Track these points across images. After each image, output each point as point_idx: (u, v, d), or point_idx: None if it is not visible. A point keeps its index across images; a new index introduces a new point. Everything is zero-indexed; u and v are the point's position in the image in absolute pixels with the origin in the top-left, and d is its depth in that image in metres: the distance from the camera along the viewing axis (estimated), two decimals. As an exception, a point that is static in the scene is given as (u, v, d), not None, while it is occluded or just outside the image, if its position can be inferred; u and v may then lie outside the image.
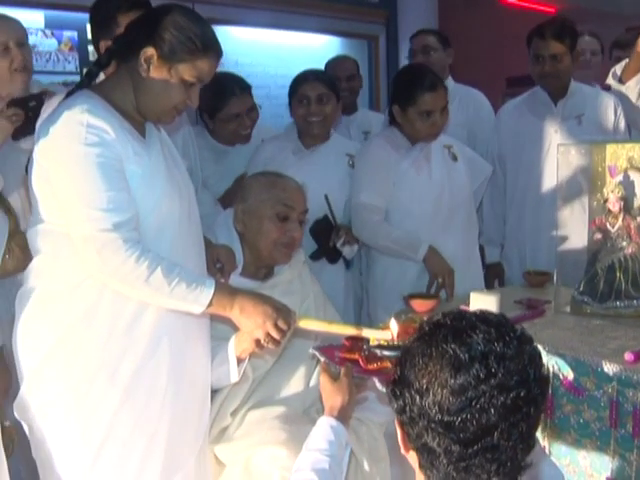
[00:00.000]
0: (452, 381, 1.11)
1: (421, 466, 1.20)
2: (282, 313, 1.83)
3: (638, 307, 2.40)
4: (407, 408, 1.16)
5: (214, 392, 2.05)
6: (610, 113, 3.25)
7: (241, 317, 1.81)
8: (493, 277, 3.46)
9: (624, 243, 2.44)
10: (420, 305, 2.55)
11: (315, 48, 5.62)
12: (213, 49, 1.84)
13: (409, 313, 2.55)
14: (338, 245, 2.91)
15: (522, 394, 1.12)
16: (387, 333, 1.79)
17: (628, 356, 1.99)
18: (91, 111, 1.73)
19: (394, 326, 1.77)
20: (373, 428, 2.10)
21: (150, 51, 1.77)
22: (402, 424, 1.19)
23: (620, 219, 2.45)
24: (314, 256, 2.91)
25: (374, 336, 1.81)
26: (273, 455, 1.95)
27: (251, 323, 1.82)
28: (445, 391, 1.12)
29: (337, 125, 3.40)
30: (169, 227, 1.84)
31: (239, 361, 1.99)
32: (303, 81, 3.05)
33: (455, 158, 3.02)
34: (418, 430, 1.16)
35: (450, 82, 3.61)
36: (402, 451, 1.24)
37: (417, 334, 1.20)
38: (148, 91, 1.81)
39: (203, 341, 1.98)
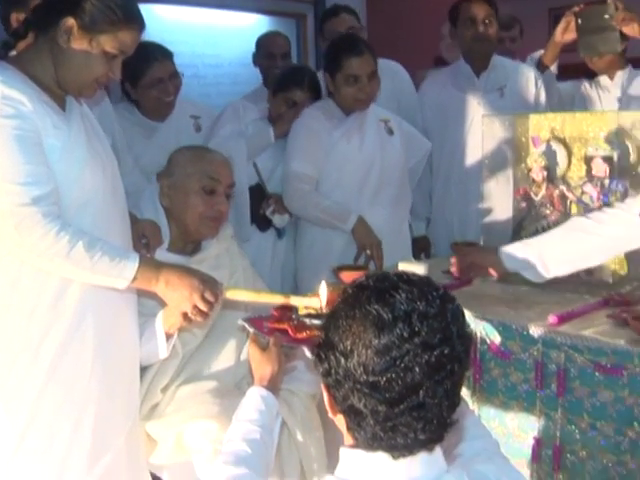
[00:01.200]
0: (376, 341, 1.11)
1: (349, 428, 1.19)
2: (209, 285, 1.81)
3: (563, 274, 2.47)
4: (332, 371, 1.16)
5: (143, 369, 2.02)
6: (531, 86, 3.30)
7: (167, 290, 1.79)
8: (419, 251, 3.50)
9: (547, 211, 2.50)
10: (349, 276, 2.56)
11: (243, 27, 5.56)
12: (135, 20, 1.81)
13: (339, 285, 2.57)
14: (267, 213, 2.94)
15: (446, 352, 1.13)
16: (315, 300, 1.79)
17: (552, 319, 2.05)
18: (6, 82, 1.68)
19: (323, 292, 1.78)
20: (305, 399, 2.10)
21: (70, 21, 1.72)
22: (328, 387, 1.19)
23: (543, 188, 2.51)
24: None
25: (302, 303, 1.81)
26: (205, 429, 1.94)
27: (177, 296, 1.79)
28: (369, 351, 1.11)
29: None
30: (92, 201, 1.80)
31: (168, 336, 1.96)
32: (298, 86, 3.09)
33: (391, 132, 3.04)
34: (344, 392, 1.15)
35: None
36: (330, 415, 1.24)
37: (341, 297, 1.20)
38: (68, 63, 1.76)
39: (130, 317, 1.95)
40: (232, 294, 1.88)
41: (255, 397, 1.70)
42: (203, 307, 1.80)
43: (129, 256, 1.75)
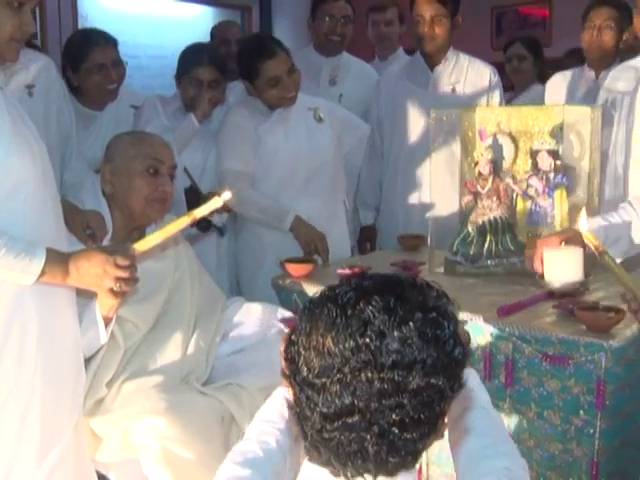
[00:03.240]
0: (321, 341, 1.05)
1: (298, 428, 1.14)
2: (117, 252, 1.75)
3: (508, 265, 2.50)
4: (289, 362, 1.11)
5: (86, 362, 1.97)
6: (485, 82, 3.31)
7: (81, 277, 1.73)
8: (365, 240, 3.52)
9: (494, 204, 2.52)
10: (295, 269, 2.55)
11: (187, 18, 5.50)
12: None
13: (287, 279, 2.55)
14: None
15: (397, 379, 1.01)
16: (215, 200, 1.76)
17: (499, 310, 2.07)
18: None
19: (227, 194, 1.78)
20: (254, 393, 2.07)
21: None
22: (289, 383, 1.14)
23: (490, 181, 2.52)
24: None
25: (207, 210, 1.76)
26: (152, 425, 1.90)
27: (93, 277, 1.73)
28: (313, 351, 1.05)
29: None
30: (23, 187, 1.72)
31: (108, 321, 1.91)
32: (197, 63, 2.99)
33: (320, 119, 3.01)
34: (294, 388, 1.11)
35: (344, 55, 3.64)
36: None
37: (317, 295, 1.13)
38: None
39: (70, 307, 1.89)
40: (142, 245, 1.81)
41: (279, 399, 1.46)
42: (122, 274, 1.74)
43: (36, 251, 1.68)
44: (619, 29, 3.36)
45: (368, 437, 1.03)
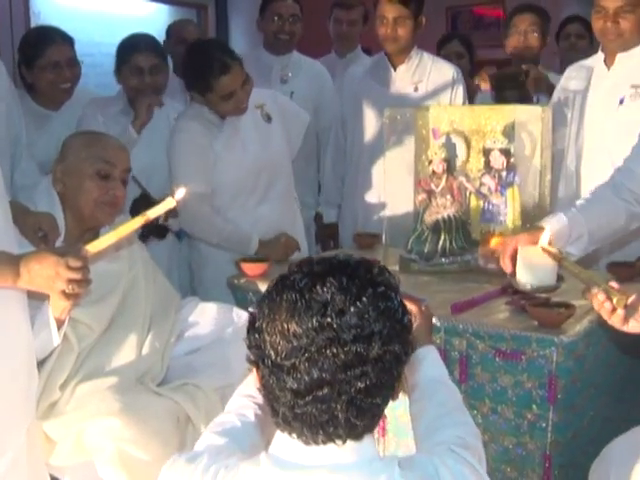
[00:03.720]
0: (286, 326, 1.11)
1: (269, 407, 1.19)
2: (69, 253, 1.72)
3: (461, 263, 2.53)
4: (254, 349, 1.17)
5: (39, 365, 1.94)
6: (448, 82, 3.33)
7: (33, 279, 1.69)
8: (328, 238, 3.53)
9: (448, 203, 2.55)
10: (251, 269, 2.55)
11: (142, 16, 5.45)
12: None
13: (242, 278, 2.55)
14: (161, 220, 2.82)
15: (359, 350, 1.10)
16: (169, 200, 1.72)
17: (453, 307, 2.09)
18: None
19: (180, 192, 1.74)
20: (210, 393, 2.07)
21: None
22: (255, 365, 1.19)
23: (444, 180, 2.55)
24: (142, 236, 2.77)
25: (160, 211, 1.74)
26: (107, 426, 1.88)
27: (44, 279, 1.69)
28: (279, 336, 1.11)
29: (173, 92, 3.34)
30: None
31: (61, 323, 1.88)
32: (135, 50, 2.95)
33: (269, 118, 2.95)
34: (262, 371, 1.16)
35: (294, 54, 3.64)
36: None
37: (273, 284, 1.18)
38: None
39: (22, 310, 1.86)
40: (95, 246, 1.77)
41: None
42: (74, 275, 1.70)
43: None
44: (542, 33, 3.54)
45: (338, 406, 1.11)
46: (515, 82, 3.21)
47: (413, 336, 1.20)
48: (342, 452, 1.14)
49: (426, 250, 2.53)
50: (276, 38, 3.58)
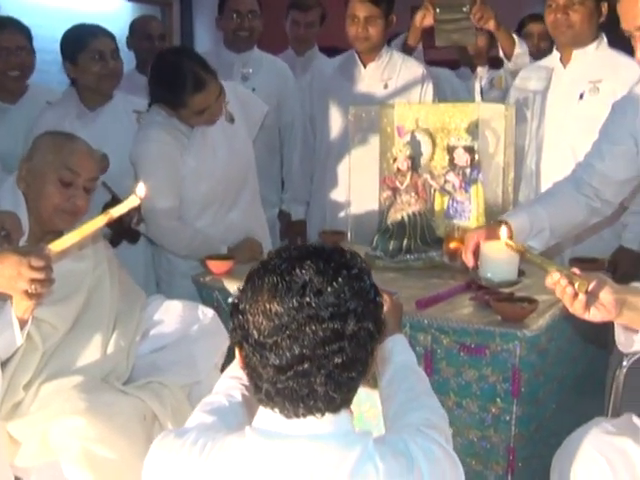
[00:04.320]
0: (268, 306, 1.19)
1: (252, 385, 1.27)
2: (31, 253, 1.70)
3: (426, 260, 2.55)
4: (237, 330, 1.24)
5: (2, 365, 1.92)
6: (417, 81, 3.33)
7: None
8: (296, 235, 3.53)
9: (412, 200, 2.57)
10: (216, 266, 2.55)
11: (106, 13, 5.39)
12: None
13: (207, 275, 2.54)
14: (133, 225, 2.75)
15: (336, 326, 1.18)
16: (132, 199, 1.71)
17: (418, 303, 2.11)
18: None
19: (140, 188, 1.72)
20: (176, 391, 2.07)
21: None
22: (238, 346, 1.26)
23: (408, 177, 2.57)
24: (114, 242, 2.71)
25: (124, 209, 1.73)
26: (72, 426, 1.86)
27: (6, 279, 1.68)
28: (262, 315, 1.19)
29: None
30: None
31: (24, 323, 1.86)
32: (92, 36, 2.89)
33: (232, 119, 2.85)
34: (246, 351, 1.23)
35: (255, 51, 3.62)
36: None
37: (254, 269, 1.26)
38: None
39: None
40: (58, 245, 1.75)
41: None
42: (37, 275, 1.70)
43: None
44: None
45: (317, 380, 1.19)
46: (457, 12, 3.09)
47: (384, 316, 1.29)
48: (320, 423, 1.22)
49: (391, 247, 2.54)
50: (235, 35, 3.54)
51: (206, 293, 2.55)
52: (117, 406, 1.94)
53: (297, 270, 1.20)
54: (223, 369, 1.75)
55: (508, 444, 2.04)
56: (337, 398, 1.22)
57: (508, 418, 2.02)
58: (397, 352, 1.61)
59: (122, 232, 2.80)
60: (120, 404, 1.96)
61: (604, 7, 2.80)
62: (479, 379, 2.02)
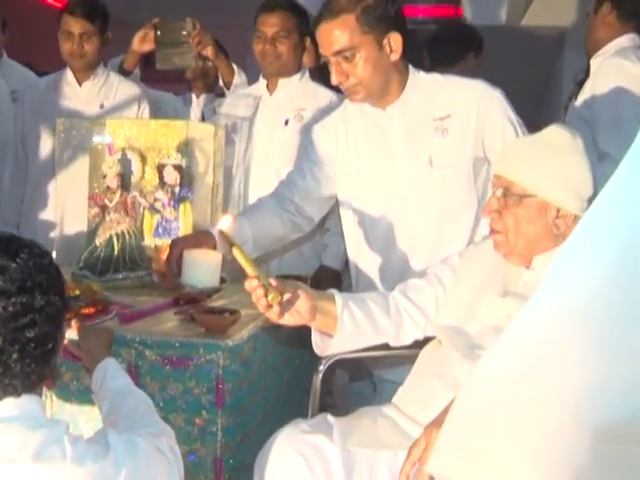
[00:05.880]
0: None
1: None
2: None
3: (135, 279, 2.52)
4: None
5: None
6: (134, 102, 3.31)
7: None
8: None
9: (121, 218, 2.53)
10: None
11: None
12: None
13: None
14: None
15: (23, 300, 1.26)
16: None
17: (121, 318, 2.09)
18: None
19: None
20: None
21: None
22: None
23: (118, 195, 2.54)
24: None
25: None
26: None
27: None
28: None
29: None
30: None
31: None
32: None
33: None
34: None
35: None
36: None
37: None
38: None
39: None
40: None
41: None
42: None
43: None
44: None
45: (13, 356, 1.25)
46: (178, 35, 3.10)
47: (92, 349, 1.57)
48: (5, 406, 1.27)
49: (99, 266, 2.48)
50: None
51: None
52: None
53: None
54: None
55: (215, 455, 2.06)
56: (33, 374, 1.28)
57: (214, 429, 2.04)
58: (110, 378, 1.70)
59: None
60: None
61: (307, 41, 2.99)
62: (184, 392, 2.02)
